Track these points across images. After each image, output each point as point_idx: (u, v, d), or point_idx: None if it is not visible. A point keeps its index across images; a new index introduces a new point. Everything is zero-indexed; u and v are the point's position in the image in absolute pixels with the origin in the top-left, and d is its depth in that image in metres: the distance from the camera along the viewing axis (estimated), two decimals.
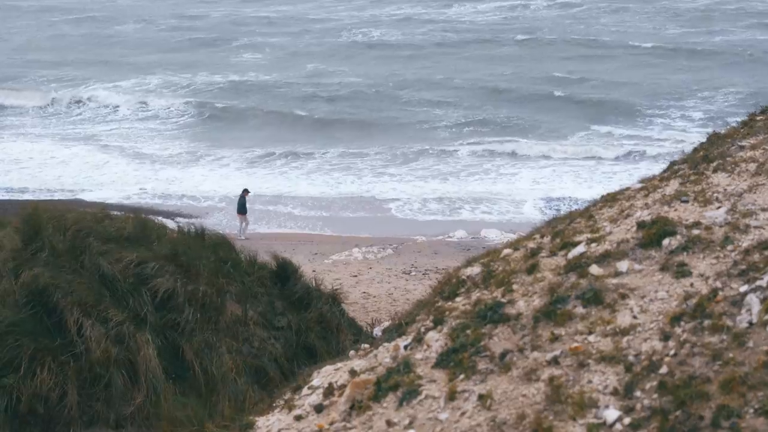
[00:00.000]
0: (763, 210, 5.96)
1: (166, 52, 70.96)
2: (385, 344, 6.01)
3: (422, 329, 5.85)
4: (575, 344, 5.00)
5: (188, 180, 40.93)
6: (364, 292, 24.75)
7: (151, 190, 39.34)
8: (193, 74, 62.40)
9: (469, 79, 57.50)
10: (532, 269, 5.98)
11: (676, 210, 6.19)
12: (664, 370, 4.62)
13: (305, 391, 5.98)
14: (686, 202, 6.31)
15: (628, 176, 31.79)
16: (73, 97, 57.30)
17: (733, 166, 6.95)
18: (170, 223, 17.55)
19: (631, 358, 4.79)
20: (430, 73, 60.03)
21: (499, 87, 55.22)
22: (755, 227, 5.72)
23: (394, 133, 47.31)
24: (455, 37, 72.13)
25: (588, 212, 7.05)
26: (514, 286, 5.82)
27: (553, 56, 63.20)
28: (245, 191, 34.29)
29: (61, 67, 65.47)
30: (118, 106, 55.21)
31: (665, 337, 4.85)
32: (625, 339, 4.93)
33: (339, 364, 6.13)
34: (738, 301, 4.95)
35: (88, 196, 37.57)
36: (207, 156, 44.99)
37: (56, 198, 36.05)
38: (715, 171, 6.92)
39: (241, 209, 33.49)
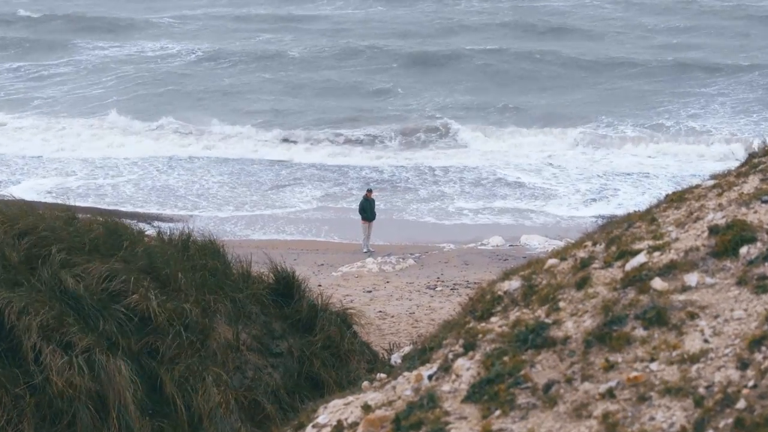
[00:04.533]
0: None
1: None
2: (406, 374, 6.03)
3: (450, 355, 5.87)
4: (634, 373, 5.01)
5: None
6: (380, 311, 24.80)
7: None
8: None
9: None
10: (582, 283, 5.99)
11: (755, 212, 6.17)
12: (741, 404, 4.62)
13: (309, 430, 6.01)
14: None
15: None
16: None
17: None
18: (147, 228, 17.62)
19: (701, 390, 4.79)
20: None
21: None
22: None
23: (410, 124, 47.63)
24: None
25: (650, 214, 7.04)
26: (561, 304, 5.83)
27: None
28: (369, 191, 32.91)
29: None
30: None
31: (743, 365, 4.85)
32: (694, 367, 4.94)
33: (350, 398, 6.15)
34: None
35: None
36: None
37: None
38: None
39: (368, 214, 32.05)
